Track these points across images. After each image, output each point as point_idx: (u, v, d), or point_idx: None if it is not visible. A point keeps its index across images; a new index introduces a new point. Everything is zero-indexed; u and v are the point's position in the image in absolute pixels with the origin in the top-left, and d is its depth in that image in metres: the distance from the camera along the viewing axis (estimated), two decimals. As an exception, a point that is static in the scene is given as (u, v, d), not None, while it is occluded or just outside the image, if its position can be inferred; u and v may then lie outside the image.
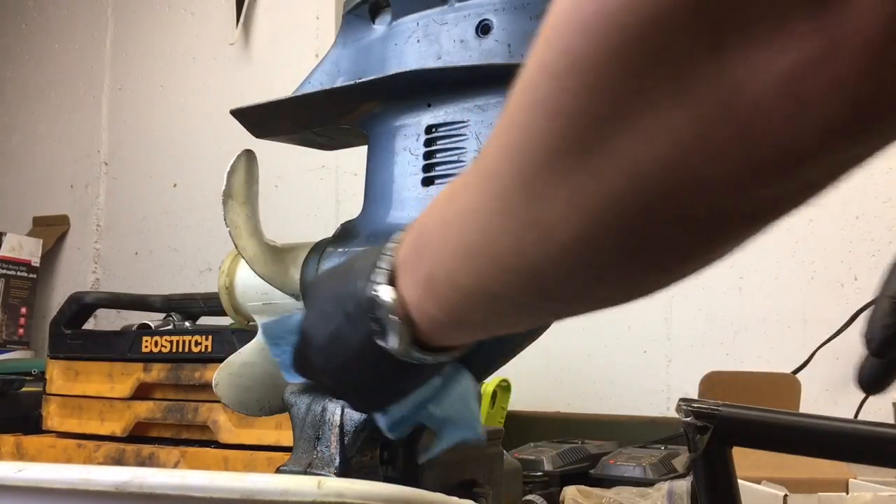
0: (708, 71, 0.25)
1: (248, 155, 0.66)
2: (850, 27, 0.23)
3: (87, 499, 0.38)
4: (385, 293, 0.44)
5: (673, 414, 0.63)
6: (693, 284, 1.84)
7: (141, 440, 1.33)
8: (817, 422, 0.59)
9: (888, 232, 1.55)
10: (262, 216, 0.67)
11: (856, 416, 1.42)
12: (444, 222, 0.39)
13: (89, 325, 1.56)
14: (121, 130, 2.64)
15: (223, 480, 0.37)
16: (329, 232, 0.67)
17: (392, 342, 0.45)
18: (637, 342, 1.79)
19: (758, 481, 0.96)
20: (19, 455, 1.39)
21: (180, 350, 1.31)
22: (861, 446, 0.58)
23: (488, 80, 0.59)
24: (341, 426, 0.55)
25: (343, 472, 0.54)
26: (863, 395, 1.47)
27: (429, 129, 0.62)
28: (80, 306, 1.47)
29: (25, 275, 2.57)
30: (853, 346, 1.62)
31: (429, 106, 0.62)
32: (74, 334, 1.44)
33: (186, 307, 1.48)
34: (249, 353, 0.68)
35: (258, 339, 0.69)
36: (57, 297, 2.60)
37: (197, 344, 1.29)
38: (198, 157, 2.44)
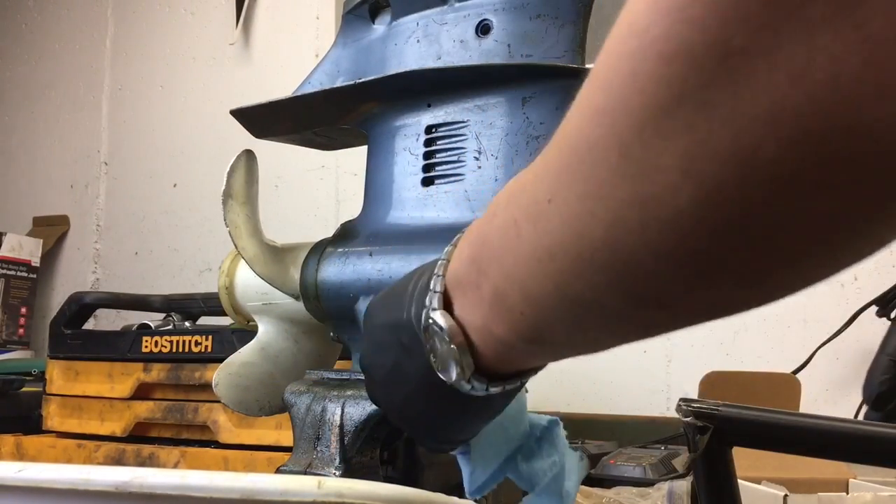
0: None
1: (248, 155, 0.66)
2: None
3: (87, 499, 0.38)
4: (440, 319, 0.39)
5: (673, 414, 0.63)
6: (693, 284, 1.79)
7: (141, 440, 1.33)
8: (817, 422, 0.58)
9: (888, 232, 1.55)
10: (262, 216, 0.67)
11: (856, 416, 1.42)
12: (511, 225, 0.33)
13: (89, 325, 1.56)
14: (121, 130, 2.64)
15: (223, 480, 0.37)
16: (329, 232, 0.67)
17: (452, 373, 0.40)
18: (637, 342, 1.79)
19: (758, 481, 0.96)
20: (19, 455, 1.39)
21: (180, 350, 1.31)
22: (861, 446, 0.58)
23: (488, 80, 0.59)
24: (341, 426, 0.55)
25: (343, 472, 0.54)
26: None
27: (429, 129, 0.62)
28: (80, 306, 1.47)
29: (25, 275, 2.57)
30: (853, 346, 1.63)
31: (429, 106, 0.62)
32: (74, 334, 1.44)
33: (186, 307, 1.48)
34: (249, 353, 0.68)
35: (258, 339, 0.69)
36: (57, 297, 2.60)
37: (197, 344, 1.29)
38: (198, 157, 2.44)
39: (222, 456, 1.22)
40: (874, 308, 1.38)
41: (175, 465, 1.24)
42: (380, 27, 0.67)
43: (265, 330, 0.69)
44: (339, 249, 0.63)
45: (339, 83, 0.67)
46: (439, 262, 0.41)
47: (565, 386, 1.84)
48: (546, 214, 0.30)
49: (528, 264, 0.32)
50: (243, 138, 0.70)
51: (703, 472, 0.59)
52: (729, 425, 0.58)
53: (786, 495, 0.88)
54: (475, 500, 0.60)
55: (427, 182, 0.62)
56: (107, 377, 1.37)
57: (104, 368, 1.38)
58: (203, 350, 1.29)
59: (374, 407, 0.55)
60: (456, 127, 0.61)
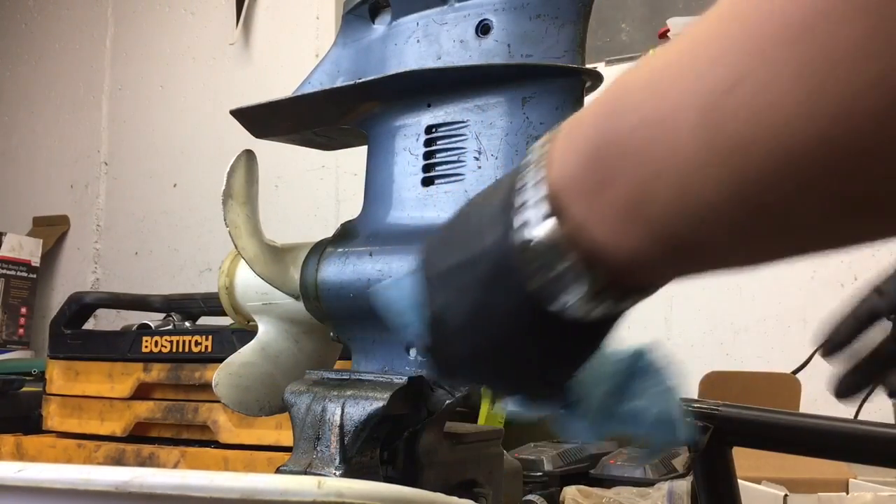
0: None
1: (248, 155, 0.66)
2: None
3: (87, 499, 0.38)
4: (550, 234, 0.33)
5: (673, 414, 0.63)
6: (693, 284, 1.84)
7: (141, 440, 1.33)
8: (817, 422, 0.59)
9: (888, 232, 1.55)
10: (262, 216, 0.67)
11: (856, 416, 1.42)
12: (657, 122, 0.28)
13: (89, 325, 1.56)
14: (121, 130, 2.65)
15: (223, 480, 0.37)
16: (329, 232, 0.67)
17: (567, 297, 0.34)
18: (637, 342, 1.79)
19: (758, 481, 0.96)
20: (19, 455, 1.39)
21: (180, 350, 1.31)
22: (861, 446, 0.58)
23: (488, 80, 0.59)
24: (341, 426, 0.55)
25: (343, 472, 0.54)
26: (863, 396, 1.46)
27: (429, 129, 0.62)
28: (80, 306, 1.47)
29: (25, 275, 2.57)
30: (853, 347, 1.61)
31: (429, 106, 0.62)
32: (74, 334, 1.44)
33: (186, 307, 1.48)
34: (249, 353, 0.68)
35: (258, 339, 0.69)
36: (57, 297, 2.60)
37: (197, 344, 1.29)
38: (198, 157, 2.45)
39: (222, 456, 1.22)
40: (874, 308, 1.38)
41: (175, 465, 1.24)
42: (380, 27, 0.67)
43: (265, 330, 0.69)
44: (339, 249, 0.63)
45: (339, 83, 0.67)
46: (525, 174, 0.35)
47: (565, 386, 1.84)
48: (724, 106, 0.26)
49: (689, 166, 0.27)
50: (243, 138, 0.70)
51: (703, 472, 0.59)
52: (729, 425, 0.58)
53: (786, 495, 0.89)
54: (481, 496, 0.60)
55: (427, 182, 0.62)
56: (107, 377, 1.37)
57: (104, 368, 1.38)
58: (203, 350, 1.29)
59: (374, 407, 0.55)
60: (456, 127, 0.61)
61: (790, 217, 0.27)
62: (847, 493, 1.01)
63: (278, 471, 0.56)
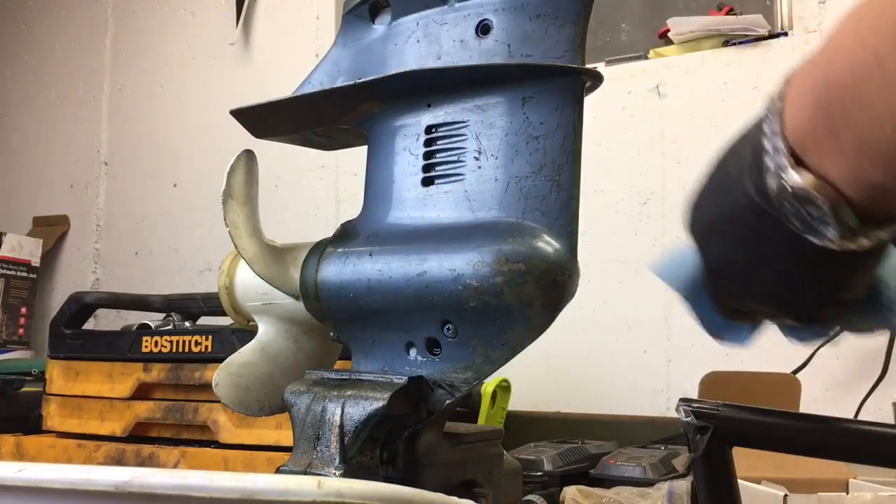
0: None
1: (248, 155, 0.66)
2: None
3: (87, 499, 0.38)
4: (799, 179, 0.35)
5: (673, 414, 0.63)
6: (693, 284, 1.79)
7: (141, 440, 1.33)
8: (817, 422, 0.58)
9: (888, 232, 1.55)
10: (262, 216, 0.67)
11: (856, 416, 1.42)
12: (872, 59, 0.30)
13: (89, 325, 1.56)
14: (121, 130, 2.65)
15: (223, 480, 0.37)
16: (329, 232, 0.67)
17: (828, 233, 0.36)
18: (637, 342, 1.79)
19: (758, 481, 0.96)
20: (19, 455, 1.39)
21: (180, 350, 1.31)
22: (861, 446, 0.58)
23: (488, 80, 0.59)
24: (341, 426, 0.55)
25: (343, 472, 0.54)
26: (863, 395, 1.47)
27: (429, 129, 0.62)
28: (80, 306, 1.47)
29: (25, 275, 2.57)
30: (853, 346, 1.62)
31: (429, 106, 0.62)
32: (74, 334, 1.44)
33: (186, 307, 1.48)
34: (249, 353, 0.68)
35: (258, 339, 0.69)
36: (57, 297, 2.60)
37: (197, 344, 1.29)
38: (198, 157, 2.45)
39: (222, 456, 1.22)
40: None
41: (175, 465, 1.24)
42: (380, 27, 0.67)
43: (265, 330, 0.69)
44: (339, 249, 0.63)
45: (339, 83, 0.67)
46: (762, 126, 0.37)
47: (565, 386, 1.84)
48: None
49: None
50: (243, 138, 0.70)
51: (703, 472, 0.59)
52: (729, 425, 0.58)
53: (786, 495, 0.89)
54: (481, 496, 0.60)
55: (427, 182, 0.62)
56: (107, 377, 1.37)
57: (104, 368, 1.38)
58: (203, 350, 1.29)
59: (374, 407, 0.55)
60: (456, 127, 0.61)
61: None
62: (847, 493, 1.01)
63: (278, 471, 0.56)
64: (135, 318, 1.72)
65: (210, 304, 1.42)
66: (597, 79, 0.58)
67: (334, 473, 0.54)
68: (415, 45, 0.63)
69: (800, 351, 1.51)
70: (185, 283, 2.32)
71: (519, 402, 1.62)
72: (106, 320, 2.39)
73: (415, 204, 0.62)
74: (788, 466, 1.03)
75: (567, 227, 0.55)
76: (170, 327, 1.44)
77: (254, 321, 0.71)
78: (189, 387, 1.30)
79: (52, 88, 2.79)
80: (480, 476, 0.64)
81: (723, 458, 0.59)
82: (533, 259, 0.54)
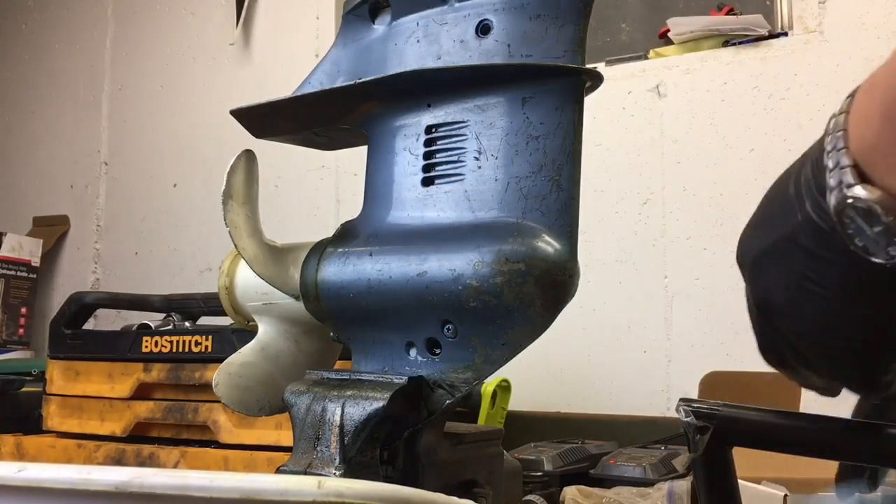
0: None
1: (248, 155, 0.66)
2: None
3: (87, 499, 0.38)
4: (865, 194, 0.34)
5: (673, 414, 0.63)
6: (693, 284, 1.84)
7: (141, 440, 1.33)
8: (817, 422, 0.58)
9: (888, 232, 1.55)
10: (262, 216, 0.67)
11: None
12: None
13: (89, 325, 1.56)
14: (121, 130, 2.65)
15: (223, 480, 0.37)
16: (329, 232, 0.67)
17: (892, 250, 0.35)
18: (637, 342, 1.79)
19: (758, 481, 0.96)
20: (19, 455, 1.39)
21: (180, 350, 1.31)
22: (861, 446, 0.58)
23: (488, 80, 0.59)
24: (341, 426, 0.55)
25: (343, 472, 0.54)
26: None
27: (429, 129, 0.62)
28: (80, 306, 1.47)
29: (25, 275, 2.57)
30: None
31: (429, 106, 0.62)
32: (74, 334, 1.44)
33: (186, 307, 1.48)
34: (249, 353, 0.68)
35: (258, 339, 0.69)
36: (57, 297, 2.60)
37: (197, 344, 1.29)
38: (198, 157, 2.45)
39: (222, 456, 1.22)
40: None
41: (175, 465, 1.24)
42: (380, 27, 0.67)
43: (265, 330, 0.69)
44: (340, 249, 0.63)
45: (339, 83, 0.67)
46: (827, 140, 0.36)
47: (565, 386, 1.84)
48: None
49: None
50: (243, 138, 0.70)
51: (703, 472, 0.59)
52: (729, 425, 0.58)
53: (786, 495, 0.89)
54: (481, 496, 0.60)
55: (427, 182, 0.62)
56: (107, 377, 1.37)
57: (104, 368, 1.38)
58: (203, 350, 1.29)
59: (374, 407, 0.55)
60: (456, 127, 0.61)
61: None
62: (847, 493, 1.01)
63: (278, 471, 0.56)
64: (135, 318, 1.72)
65: (210, 304, 1.42)
66: (597, 79, 0.58)
67: (334, 473, 0.54)
68: (415, 45, 0.63)
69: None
70: (185, 283, 2.32)
71: (519, 402, 1.62)
72: (106, 320, 2.39)
73: (415, 204, 0.62)
74: (788, 466, 1.03)
75: (567, 227, 0.55)
76: (170, 327, 1.44)
77: (254, 321, 0.71)
78: (189, 387, 1.30)
79: (52, 88, 2.79)
80: (480, 476, 0.64)
81: (723, 458, 0.59)
82: (533, 259, 0.54)
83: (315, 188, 2.24)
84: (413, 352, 0.60)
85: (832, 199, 0.36)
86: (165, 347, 1.32)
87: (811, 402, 1.45)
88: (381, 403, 0.55)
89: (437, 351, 0.58)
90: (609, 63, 1.97)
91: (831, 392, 0.50)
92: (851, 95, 0.37)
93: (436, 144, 0.62)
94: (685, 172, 1.79)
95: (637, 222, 1.83)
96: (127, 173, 2.61)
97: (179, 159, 2.50)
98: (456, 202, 0.60)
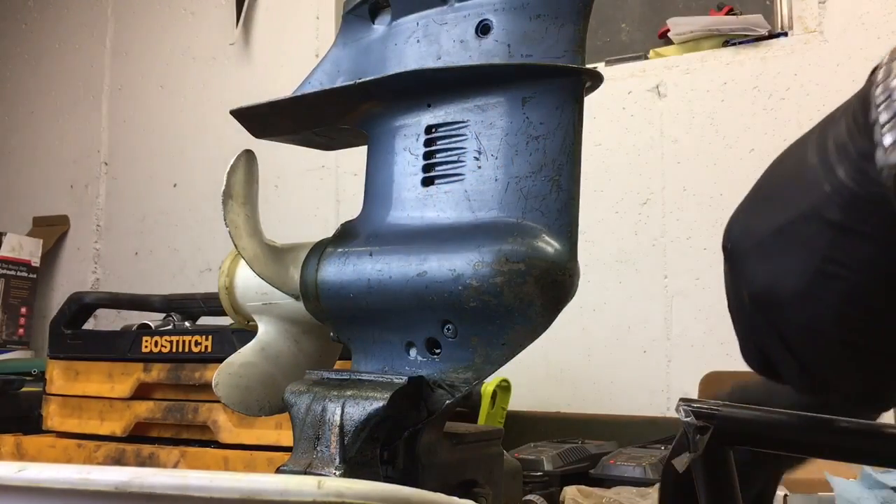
0: None
1: (248, 155, 0.66)
2: None
3: (87, 499, 0.38)
4: None
5: (673, 414, 0.63)
6: (693, 284, 1.83)
7: (141, 440, 1.33)
8: (817, 422, 0.58)
9: (888, 232, 1.55)
10: (262, 216, 0.67)
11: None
12: None
13: (89, 325, 1.56)
14: (121, 130, 2.65)
15: (223, 480, 0.37)
16: (329, 232, 0.67)
17: None
18: (637, 342, 1.79)
19: (758, 481, 0.96)
20: (19, 455, 1.39)
21: (180, 350, 1.31)
22: (861, 446, 0.58)
23: (488, 80, 0.59)
24: (341, 426, 0.55)
25: (343, 472, 0.54)
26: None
27: (429, 129, 0.62)
28: (80, 306, 1.47)
29: (25, 275, 2.57)
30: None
31: (429, 106, 0.62)
32: (74, 334, 1.44)
33: (186, 307, 1.48)
34: (249, 353, 0.68)
35: (258, 339, 0.69)
36: (57, 297, 2.60)
37: (197, 344, 1.29)
38: (198, 157, 2.45)
39: (222, 456, 1.22)
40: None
41: (175, 465, 1.24)
42: (380, 27, 0.67)
43: (265, 330, 0.69)
44: (339, 249, 0.63)
45: (339, 83, 0.67)
46: (876, 92, 0.32)
47: (565, 386, 1.84)
48: None
49: None
50: (243, 138, 0.70)
51: (703, 472, 0.59)
52: (729, 425, 0.58)
53: (786, 495, 0.88)
54: (481, 496, 0.60)
55: (427, 182, 0.62)
56: (107, 377, 1.37)
57: (104, 368, 1.38)
58: (203, 350, 1.29)
59: (374, 407, 0.55)
60: (456, 127, 0.61)
61: None
62: (847, 493, 1.01)
63: (278, 471, 0.56)
64: (135, 318, 1.72)
65: (210, 304, 1.42)
66: (597, 79, 0.58)
67: (334, 473, 0.54)
68: (415, 45, 0.63)
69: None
70: (185, 283, 2.32)
71: (519, 402, 1.62)
72: (106, 320, 2.39)
73: (415, 204, 0.62)
74: (788, 466, 1.03)
75: (567, 227, 0.55)
76: (170, 327, 1.44)
77: (254, 321, 0.71)
78: (189, 387, 1.30)
79: (52, 88, 2.79)
80: (480, 476, 0.64)
81: (723, 458, 0.59)
82: (533, 259, 0.54)
83: (315, 188, 2.24)
84: (413, 352, 0.60)
85: (882, 159, 0.31)
86: (165, 347, 1.32)
87: (811, 402, 1.44)
88: (381, 403, 0.55)
89: (437, 351, 0.58)
90: (609, 63, 1.97)
91: (813, 396, 0.45)
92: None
93: (436, 144, 0.62)
94: (685, 172, 1.79)
95: (637, 222, 1.83)
96: (127, 173, 2.61)
97: (179, 159, 2.49)
98: (456, 202, 0.60)
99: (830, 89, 1.66)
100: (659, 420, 1.66)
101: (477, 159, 0.59)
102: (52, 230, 2.67)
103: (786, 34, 1.80)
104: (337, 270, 0.62)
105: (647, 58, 1.95)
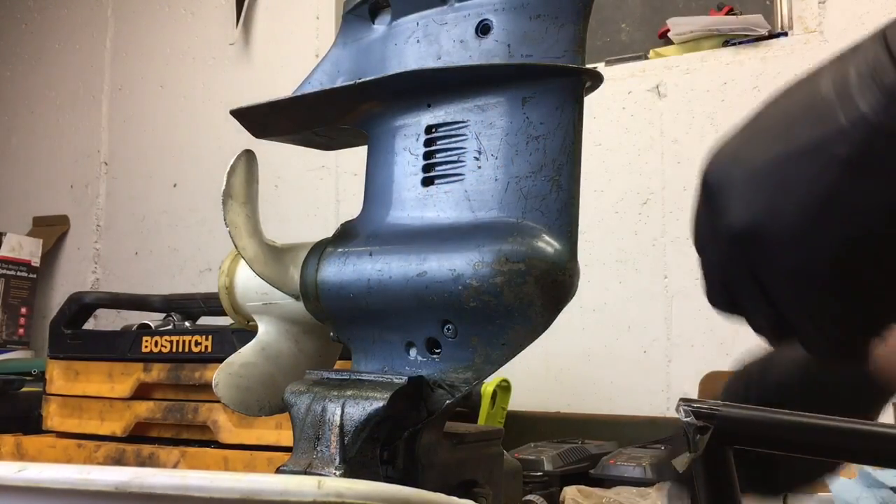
0: None
1: (248, 155, 0.66)
2: None
3: (87, 499, 0.38)
4: None
5: (673, 414, 0.63)
6: (693, 284, 1.83)
7: (141, 440, 1.33)
8: (818, 422, 0.58)
9: (888, 232, 1.55)
10: (262, 216, 0.67)
11: (856, 416, 1.41)
12: None
13: (89, 325, 1.56)
14: (121, 130, 2.65)
15: (223, 481, 0.37)
16: (329, 232, 0.67)
17: None
18: (637, 342, 1.79)
19: (758, 481, 0.96)
20: (19, 455, 1.39)
21: (180, 350, 1.31)
22: (861, 446, 0.58)
23: (488, 80, 0.59)
24: (341, 426, 0.55)
25: (343, 472, 0.54)
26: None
27: (429, 129, 0.62)
28: (80, 306, 1.47)
29: (25, 275, 2.57)
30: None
31: (429, 106, 0.62)
32: (74, 334, 1.44)
33: (186, 307, 1.48)
34: (249, 353, 0.68)
35: (258, 339, 0.69)
36: (57, 297, 2.60)
37: (197, 344, 1.29)
38: (198, 157, 2.45)
39: (222, 456, 1.22)
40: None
41: (175, 465, 1.24)
42: (380, 27, 0.67)
43: (265, 330, 0.69)
44: (339, 249, 0.63)
45: (339, 83, 0.67)
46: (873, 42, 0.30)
47: (565, 386, 1.84)
48: None
49: None
50: (243, 138, 0.70)
51: (703, 472, 0.59)
52: (729, 425, 0.58)
53: (786, 495, 0.88)
54: (481, 496, 0.60)
55: (427, 182, 0.62)
56: (107, 377, 1.37)
57: (104, 368, 1.38)
58: (203, 350, 1.29)
59: (374, 407, 0.55)
60: (456, 127, 0.61)
61: None
62: (847, 493, 1.01)
63: (278, 471, 0.56)
64: (135, 318, 1.72)
65: (210, 304, 1.42)
66: (597, 79, 0.58)
67: (334, 473, 0.54)
68: (415, 45, 0.63)
69: (800, 351, 1.50)
70: (185, 283, 2.32)
71: (519, 402, 1.62)
72: (106, 320, 2.39)
73: (415, 204, 0.62)
74: (788, 466, 1.03)
75: (567, 227, 0.55)
76: (170, 327, 1.44)
77: (254, 321, 0.71)
78: (189, 387, 1.30)
79: (52, 88, 2.79)
80: (480, 476, 0.64)
81: (723, 458, 0.59)
82: (533, 259, 0.54)
83: (315, 188, 2.24)
84: (413, 352, 0.60)
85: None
86: (165, 347, 1.32)
87: (811, 402, 1.44)
88: (381, 403, 0.55)
89: (437, 351, 0.58)
90: (609, 63, 1.97)
91: (777, 343, 0.42)
92: None
93: (436, 144, 0.62)
94: (685, 172, 1.79)
95: (637, 222, 1.83)
96: (127, 173, 2.61)
97: (179, 159, 2.49)
98: (456, 202, 0.60)
99: (830, 89, 1.66)
100: (659, 420, 1.66)
101: (477, 159, 0.59)
102: (52, 230, 2.67)
103: (786, 34, 1.80)
104: (337, 270, 0.62)
105: (647, 58, 1.95)
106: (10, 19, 2.92)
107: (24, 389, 1.65)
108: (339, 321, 0.64)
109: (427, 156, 0.62)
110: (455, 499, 0.44)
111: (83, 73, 2.73)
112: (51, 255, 2.67)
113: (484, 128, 0.59)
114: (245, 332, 0.75)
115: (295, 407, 0.59)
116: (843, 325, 0.36)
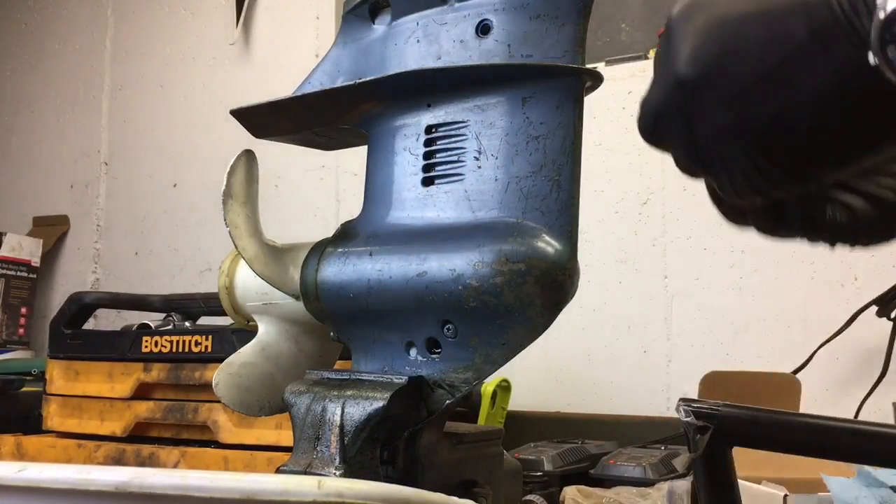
0: None
1: (248, 155, 0.66)
2: None
3: (87, 499, 0.38)
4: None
5: (673, 414, 0.63)
6: (693, 284, 1.83)
7: (141, 440, 1.33)
8: (817, 422, 0.58)
9: (888, 232, 1.55)
10: (262, 216, 0.67)
11: (856, 416, 1.42)
12: None
13: (89, 325, 1.56)
14: (121, 130, 2.65)
15: (223, 481, 0.37)
16: (329, 232, 0.67)
17: None
18: (637, 342, 1.79)
19: (758, 481, 0.96)
20: (19, 455, 1.39)
21: (180, 350, 1.31)
22: (861, 446, 0.58)
23: (488, 80, 0.59)
24: (341, 426, 0.55)
25: (343, 472, 0.54)
26: (863, 395, 1.47)
27: (429, 129, 0.62)
28: (80, 306, 1.47)
29: (25, 275, 2.57)
30: (853, 346, 1.62)
31: (429, 106, 0.62)
32: (74, 334, 1.44)
33: (186, 307, 1.48)
34: (250, 353, 0.68)
35: (258, 339, 0.69)
36: (57, 297, 2.60)
37: (197, 344, 1.29)
38: (198, 157, 2.45)
39: (222, 456, 1.22)
40: (874, 308, 1.38)
41: (175, 465, 1.24)
42: (380, 27, 0.67)
43: (265, 330, 0.69)
44: (339, 249, 0.63)
45: (339, 83, 0.67)
46: None
47: (565, 386, 1.84)
48: None
49: None
50: (243, 138, 0.70)
51: (703, 472, 0.59)
52: (729, 425, 0.58)
53: (786, 495, 0.89)
54: (481, 496, 0.60)
55: (427, 182, 0.62)
56: (107, 377, 1.37)
57: (104, 368, 1.38)
58: (203, 350, 1.29)
59: (374, 407, 0.55)
60: (456, 127, 0.61)
61: None
62: (847, 493, 1.01)
63: (278, 471, 0.56)
64: (135, 318, 1.72)
65: (210, 304, 1.42)
66: (597, 79, 0.58)
67: (334, 473, 0.54)
68: (415, 45, 0.63)
69: (800, 351, 1.51)
70: (185, 283, 2.32)
71: (519, 402, 1.62)
72: (106, 320, 2.39)
73: (415, 204, 0.62)
74: (788, 466, 1.03)
75: (567, 227, 0.55)
76: (170, 327, 1.44)
77: (254, 321, 0.71)
78: (189, 387, 1.30)
79: (52, 88, 2.79)
80: (480, 476, 0.64)
81: (723, 458, 0.59)
82: (533, 259, 0.54)
83: (315, 188, 2.24)
84: (413, 352, 0.60)
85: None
86: (165, 347, 1.32)
87: (811, 402, 1.45)
88: (381, 403, 0.55)
89: (437, 351, 0.58)
90: (609, 63, 1.97)
91: (693, 175, 0.45)
92: None
93: (436, 144, 0.62)
94: (685, 172, 1.79)
95: (637, 222, 1.83)
96: (127, 173, 2.61)
97: (179, 159, 2.49)
98: (456, 202, 0.60)
99: (830, 89, 1.66)
100: (659, 420, 1.66)
101: (477, 159, 0.59)
102: (52, 230, 2.67)
103: (786, 34, 1.80)
104: (337, 270, 0.62)
105: (647, 58, 1.95)
106: (10, 19, 2.92)
107: (24, 389, 1.65)
108: (339, 321, 0.64)
109: (427, 156, 0.62)
110: (455, 499, 0.44)
111: (83, 73, 2.72)
112: (51, 255, 2.67)
113: (484, 128, 0.59)
114: (245, 332, 0.75)
115: (295, 407, 0.59)
116: (758, 180, 0.38)
